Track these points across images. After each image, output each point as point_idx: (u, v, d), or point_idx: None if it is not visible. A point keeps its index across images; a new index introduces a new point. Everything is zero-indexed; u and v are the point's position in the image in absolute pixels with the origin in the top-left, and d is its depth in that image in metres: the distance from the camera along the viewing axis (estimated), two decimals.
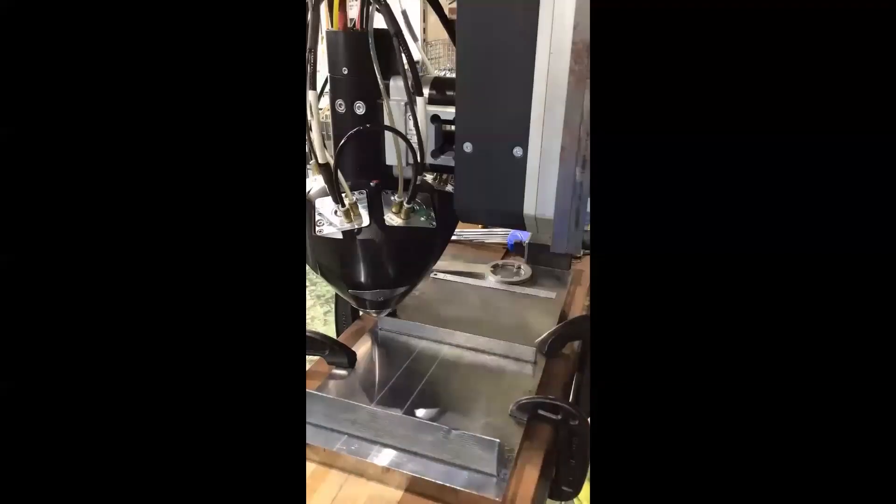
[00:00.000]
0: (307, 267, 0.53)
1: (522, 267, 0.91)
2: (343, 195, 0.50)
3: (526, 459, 0.53)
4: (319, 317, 2.21)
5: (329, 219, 0.52)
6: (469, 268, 0.91)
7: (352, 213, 0.51)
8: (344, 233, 0.51)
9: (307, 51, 0.46)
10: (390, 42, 0.47)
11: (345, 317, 0.80)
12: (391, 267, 0.53)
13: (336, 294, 0.79)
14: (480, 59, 0.42)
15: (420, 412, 0.58)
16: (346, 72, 0.50)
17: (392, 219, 0.52)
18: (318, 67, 0.46)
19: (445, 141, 0.52)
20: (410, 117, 0.49)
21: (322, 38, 0.48)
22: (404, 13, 0.52)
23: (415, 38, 0.54)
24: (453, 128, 0.48)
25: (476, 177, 0.46)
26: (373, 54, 0.47)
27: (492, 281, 0.88)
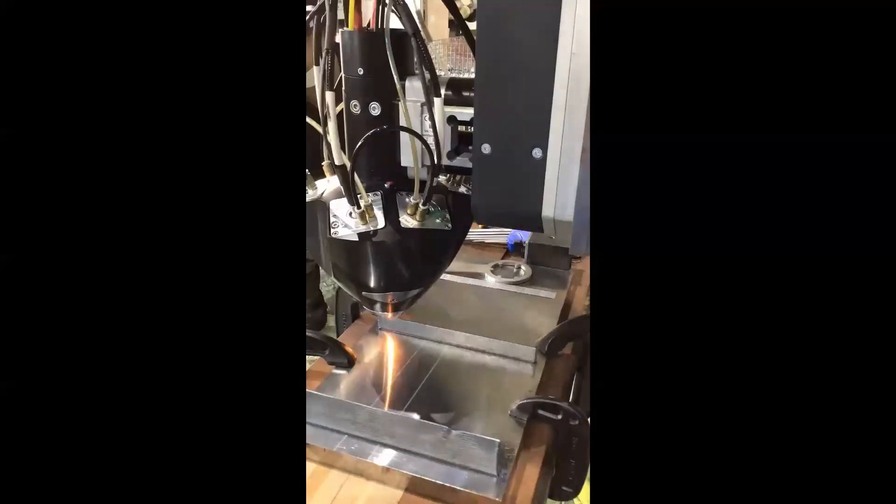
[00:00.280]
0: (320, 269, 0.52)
1: (522, 267, 0.91)
2: (359, 197, 0.50)
3: (526, 459, 0.53)
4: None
5: (344, 220, 0.52)
6: (469, 268, 0.91)
7: (367, 216, 0.51)
8: (360, 235, 0.51)
9: (325, 52, 0.45)
10: (405, 42, 0.47)
11: (345, 317, 0.81)
12: (406, 269, 0.53)
13: (336, 294, 0.80)
14: (500, 59, 0.41)
15: (420, 412, 0.58)
16: (361, 72, 0.50)
17: (407, 221, 0.52)
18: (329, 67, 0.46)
19: (461, 142, 0.52)
20: (426, 118, 0.48)
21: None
22: (419, 14, 0.52)
23: (429, 39, 0.54)
24: (469, 129, 0.48)
25: (494, 178, 0.45)
26: (389, 55, 0.47)
27: (492, 281, 0.88)
